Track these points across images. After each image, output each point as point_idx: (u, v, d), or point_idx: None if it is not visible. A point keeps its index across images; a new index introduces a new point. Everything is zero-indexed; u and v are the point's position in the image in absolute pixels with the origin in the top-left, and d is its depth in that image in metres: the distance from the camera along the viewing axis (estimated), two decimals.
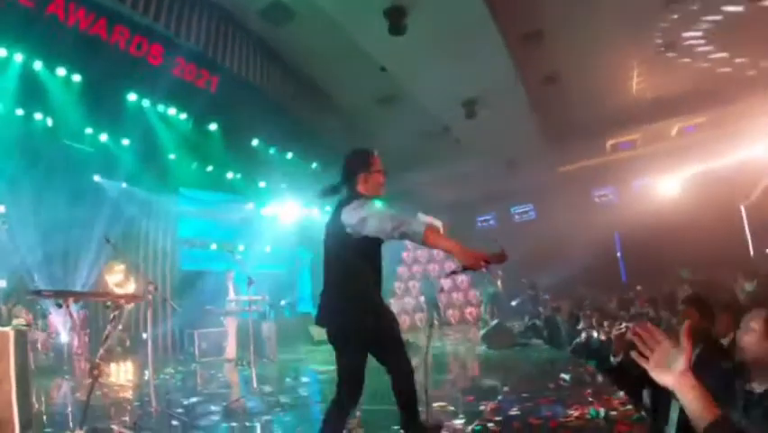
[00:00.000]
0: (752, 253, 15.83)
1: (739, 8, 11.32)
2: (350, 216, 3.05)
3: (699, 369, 1.59)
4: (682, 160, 16.87)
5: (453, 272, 3.13)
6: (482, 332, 10.28)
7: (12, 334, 3.77)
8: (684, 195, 17.09)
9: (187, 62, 10.06)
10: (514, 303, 15.46)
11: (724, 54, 13.43)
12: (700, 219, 15.19)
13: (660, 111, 15.72)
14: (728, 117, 15.38)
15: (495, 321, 10.99)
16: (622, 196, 18.76)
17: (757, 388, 2.37)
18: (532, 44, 11.74)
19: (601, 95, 14.77)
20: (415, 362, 3.32)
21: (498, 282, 14.53)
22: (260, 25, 10.67)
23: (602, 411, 4.28)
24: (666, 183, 17.61)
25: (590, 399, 4.78)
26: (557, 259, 15.74)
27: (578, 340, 8.17)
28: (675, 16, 11.68)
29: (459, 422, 4.43)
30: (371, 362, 3.20)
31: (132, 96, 10.41)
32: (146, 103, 10.69)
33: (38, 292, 4.97)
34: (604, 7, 10.70)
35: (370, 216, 2.97)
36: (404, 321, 16.81)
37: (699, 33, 12.42)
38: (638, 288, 12.31)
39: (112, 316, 4.82)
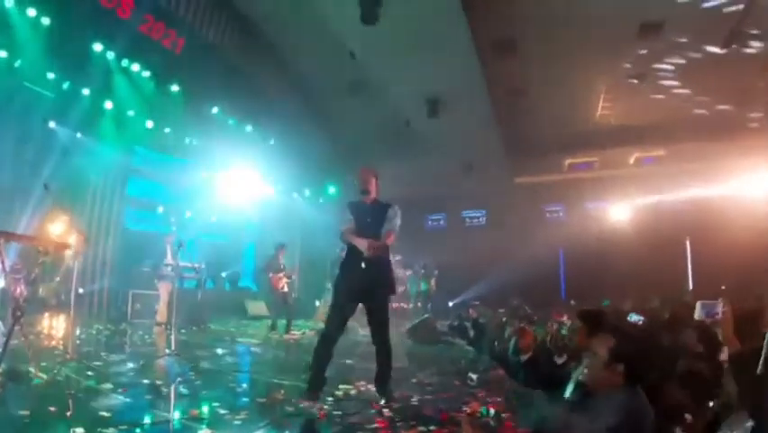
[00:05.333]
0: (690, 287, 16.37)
1: (715, 49, 11.79)
2: None
3: None
4: (637, 188, 17.37)
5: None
6: (409, 325, 10.55)
7: None
8: (633, 222, 17.58)
9: (156, 20, 10.11)
10: (451, 304, 15.66)
11: (689, 92, 13.90)
12: (645, 248, 15.63)
13: (621, 138, 16.18)
14: (686, 155, 15.90)
15: (424, 316, 11.27)
16: (571, 215, 19.04)
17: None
18: (503, 54, 11.90)
19: (566, 114, 15.12)
20: None
21: (432, 281, 14.67)
22: None
23: (492, 411, 4.57)
24: (617, 209, 18.09)
25: (488, 399, 5.07)
26: (501, 267, 15.90)
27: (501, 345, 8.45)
28: (646, 50, 12.07)
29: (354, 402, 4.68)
30: None
31: (97, 47, 10.26)
32: (110, 55, 10.56)
33: None
34: (579, 27, 10.93)
35: None
36: None
37: (668, 67, 12.86)
38: (572, 302, 12.68)
39: (41, 260, 4.91)
